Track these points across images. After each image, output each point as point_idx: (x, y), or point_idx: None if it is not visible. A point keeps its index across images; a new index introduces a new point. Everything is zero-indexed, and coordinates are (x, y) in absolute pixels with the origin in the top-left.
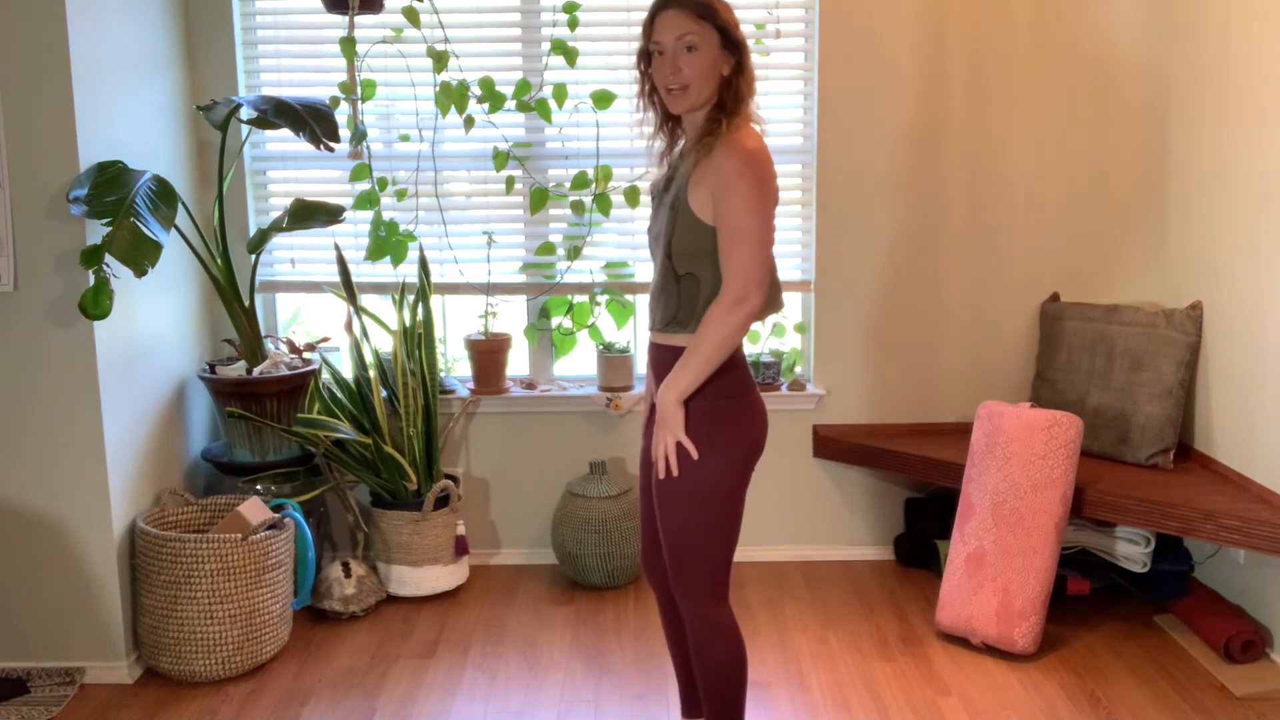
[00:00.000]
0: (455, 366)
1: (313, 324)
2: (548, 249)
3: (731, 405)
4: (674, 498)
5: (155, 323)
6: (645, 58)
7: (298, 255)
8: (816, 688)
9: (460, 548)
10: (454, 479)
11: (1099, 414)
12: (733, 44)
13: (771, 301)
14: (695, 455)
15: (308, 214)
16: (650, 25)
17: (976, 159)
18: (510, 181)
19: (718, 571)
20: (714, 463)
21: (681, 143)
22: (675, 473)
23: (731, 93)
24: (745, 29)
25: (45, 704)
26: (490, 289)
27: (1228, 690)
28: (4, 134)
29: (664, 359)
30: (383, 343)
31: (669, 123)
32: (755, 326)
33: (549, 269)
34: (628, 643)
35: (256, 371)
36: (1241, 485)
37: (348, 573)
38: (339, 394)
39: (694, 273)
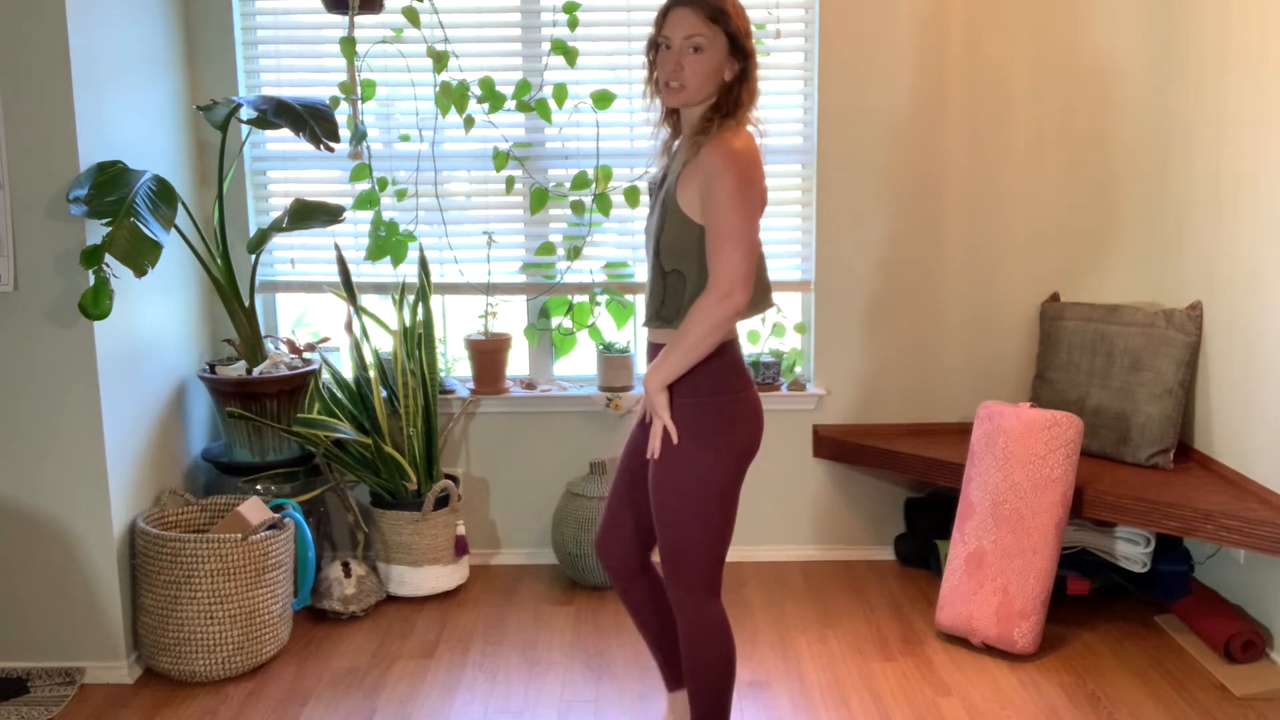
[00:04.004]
0: (455, 366)
1: (315, 324)
2: (548, 249)
3: (727, 402)
4: (669, 494)
5: (155, 323)
6: (655, 47)
7: (298, 255)
8: (816, 688)
9: (460, 548)
10: (454, 479)
11: (1099, 414)
12: (740, 51)
13: (759, 300)
14: (675, 439)
15: (308, 214)
16: (663, 18)
17: (976, 158)
18: (510, 181)
19: (713, 567)
20: (709, 459)
21: (679, 140)
22: (655, 455)
23: (731, 98)
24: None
25: (45, 704)
26: (490, 289)
27: (1228, 690)
28: (4, 134)
29: (654, 353)
30: (383, 343)
31: (673, 114)
32: (755, 326)
33: (549, 269)
34: (628, 643)
35: (256, 371)
36: (1241, 485)
37: (348, 573)
38: (339, 394)
39: (680, 269)
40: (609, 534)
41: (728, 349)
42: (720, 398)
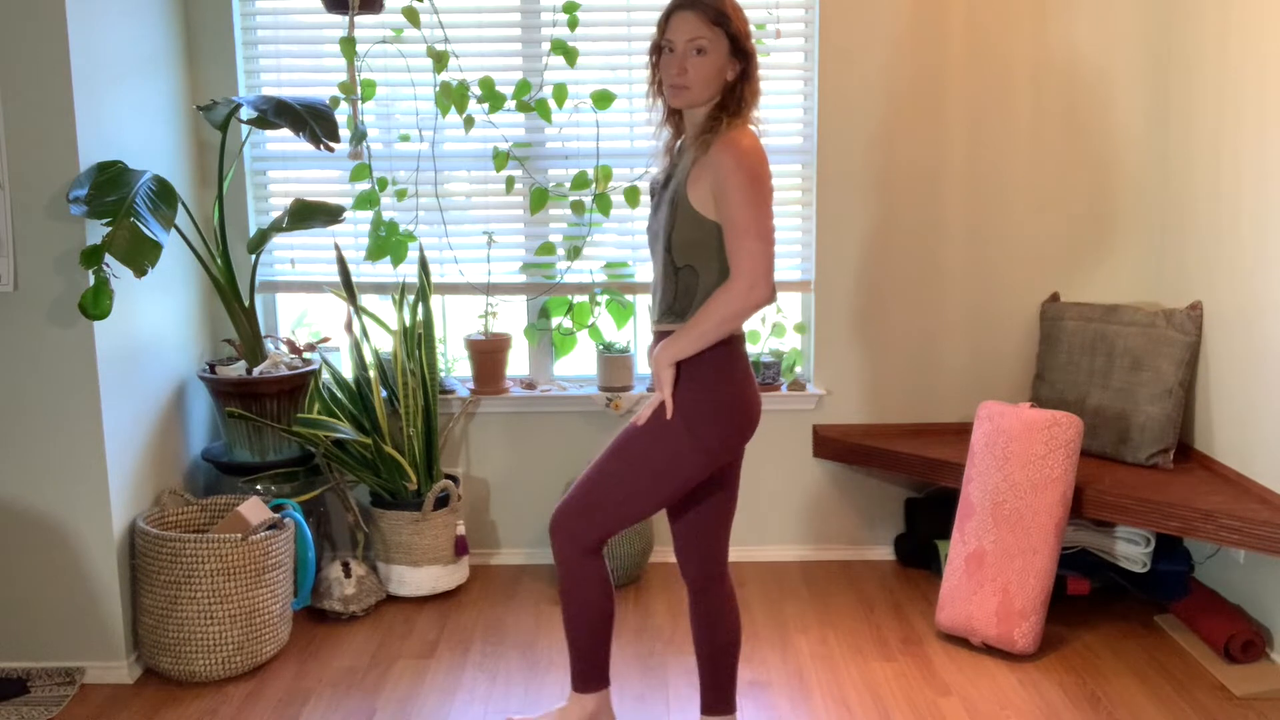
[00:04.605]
0: (455, 366)
1: (315, 324)
2: (548, 249)
3: (722, 395)
4: (633, 457)
5: (155, 323)
6: (657, 50)
7: (298, 255)
8: (816, 688)
9: (460, 548)
10: (454, 479)
11: (1099, 414)
12: (741, 52)
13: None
14: (669, 415)
15: (308, 214)
16: (665, 22)
17: (976, 158)
18: (510, 181)
19: (610, 531)
20: (689, 446)
21: (682, 139)
22: (641, 422)
23: (734, 97)
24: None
25: (45, 704)
26: (490, 289)
27: (1228, 690)
28: (4, 134)
29: (659, 340)
30: (383, 343)
31: (675, 115)
32: (755, 326)
33: (549, 269)
34: (628, 643)
35: (256, 371)
36: (1241, 485)
37: (348, 573)
38: (339, 394)
39: (692, 265)
40: (686, 553)
41: (736, 344)
42: (721, 389)
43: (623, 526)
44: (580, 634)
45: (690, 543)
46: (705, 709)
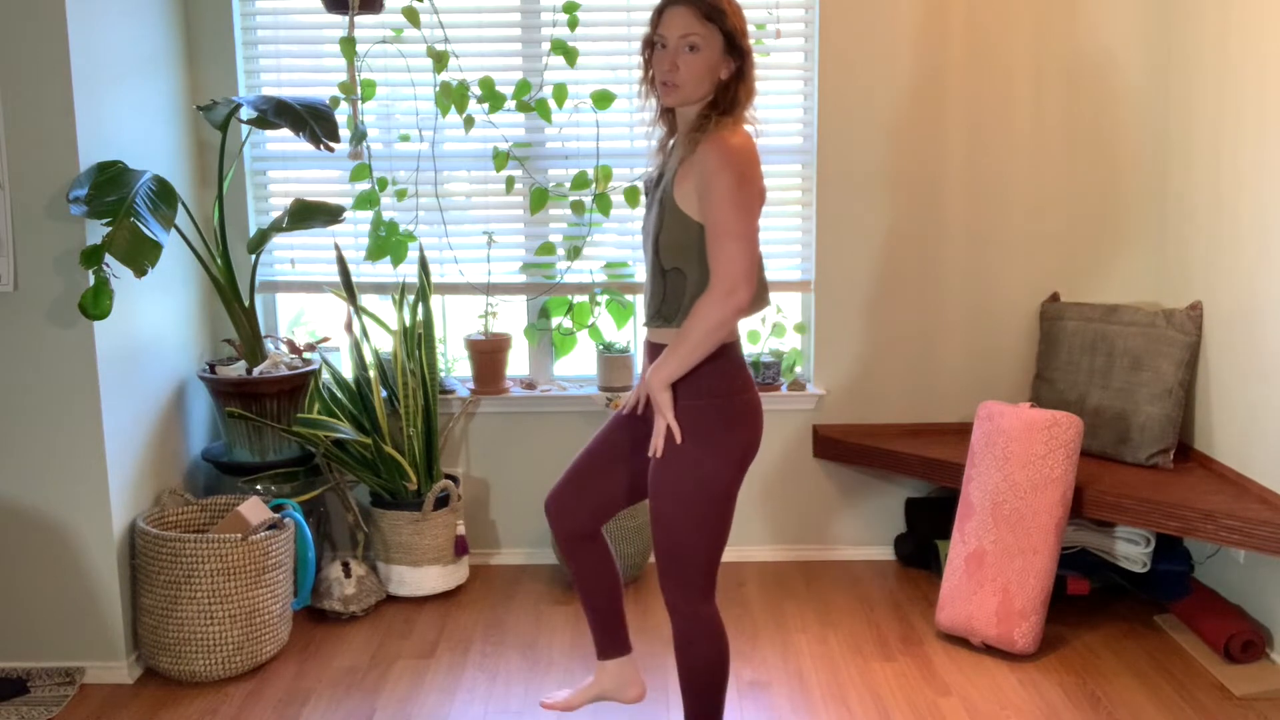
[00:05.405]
0: (455, 366)
1: (314, 324)
2: (548, 249)
3: (730, 403)
4: (669, 495)
5: (155, 323)
6: (650, 46)
7: (298, 255)
8: (816, 688)
9: (460, 548)
10: (454, 479)
11: (1099, 414)
12: (736, 50)
13: (758, 298)
14: (679, 439)
15: (308, 214)
16: (658, 17)
17: (976, 158)
18: (510, 181)
19: (709, 569)
20: (711, 461)
21: (675, 138)
22: (659, 454)
23: (728, 96)
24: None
25: (45, 704)
26: (490, 289)
27: (1228, 690)
28: (4, 134)
29: (653, 352)
30: (383, 343)
31: (668, 113)
32: (755, 326)
33: (549, 269)
34: None
35: (256, 371)
36: (1241, 485)
37: (348, 573)
38: (339, 394)
39: (680, 267)
40: (564, 498)
41: (730, 349)
42: (723, 399)
43: (713, 560)
44: (707, 683)
45: (596, 491)
46: (601, 652)
